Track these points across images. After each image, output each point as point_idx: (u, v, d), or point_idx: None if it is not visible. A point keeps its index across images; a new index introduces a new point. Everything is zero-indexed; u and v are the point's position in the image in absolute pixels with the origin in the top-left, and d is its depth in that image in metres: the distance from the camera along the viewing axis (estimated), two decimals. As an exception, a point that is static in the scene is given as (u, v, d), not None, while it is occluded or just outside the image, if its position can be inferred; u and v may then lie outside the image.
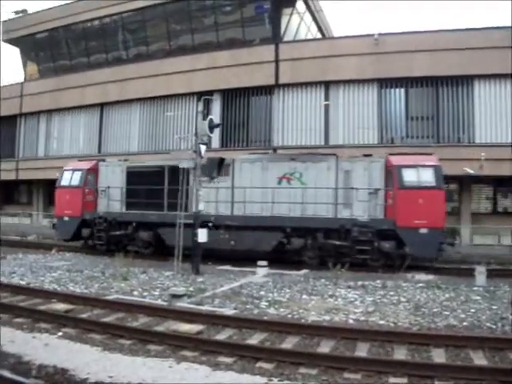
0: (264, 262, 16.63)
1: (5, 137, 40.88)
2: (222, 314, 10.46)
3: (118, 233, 21.99)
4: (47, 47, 38.80)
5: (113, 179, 22.70)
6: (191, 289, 13.42)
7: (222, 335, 9.02)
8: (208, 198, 19.27)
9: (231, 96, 29.61)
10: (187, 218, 17.37)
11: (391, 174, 18.08)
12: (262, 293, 13.12)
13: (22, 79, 41.05)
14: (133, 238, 21.93)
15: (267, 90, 28.52)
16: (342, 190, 18.59)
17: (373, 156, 19.16)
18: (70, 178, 23.45)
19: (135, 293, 13.12)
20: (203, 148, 17.23)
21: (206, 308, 11.17)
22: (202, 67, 29.55)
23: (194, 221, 16.96)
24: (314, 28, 33.69)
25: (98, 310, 10.98)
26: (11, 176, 37.86)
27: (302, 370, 7.12)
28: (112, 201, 22.44)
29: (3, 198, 41.70)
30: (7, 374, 6.41)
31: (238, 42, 29.63)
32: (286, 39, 29.16)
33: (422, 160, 18.00)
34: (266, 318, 10.29)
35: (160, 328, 9.46)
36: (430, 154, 18.71)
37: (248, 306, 11.45)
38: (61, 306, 10.91)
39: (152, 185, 21.23)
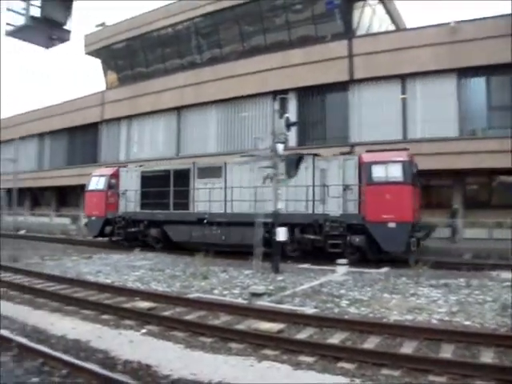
0: (344, 261, 16.51)
1: (88, 143, 42.97)
2: (303, 313, 10.42)
3: (133, 230, 24.80)
4: (125, 56, 40.31)
5: (130, 183, 25.65)
6: (271, 287, 13.50)
7: (303, 334, 9.01)
8: (204, 198, 22.36)
9: (306, 94, 29.53)
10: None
11: (363, 170, 18.70)
12: (343, 291, 13.02)
13: (102, 88, 42.90)
14: (145, 234, 24.69)
15: (342, 86, 28.17)
16: (319, 187, 19.54)
17: (349, 154, 19.88)
18: (96, 182, 26.83)
19: (216, 291, 13.31)
20: (281, 147, 17.31)
21: (286, 307, 11.17)
22: (275, 66, 29.65)
23: (274, 220, 17.07)
24: (387, 20, 32.97)
25: (180, 308, 11.21)
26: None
27: (385, 371, 7.00)
28: (129, 202, 25.40)
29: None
30: (97, 368, 6.77)
31: (311, 40, 29.48)
32: (358, 33, 28.72)
33: (391, 156, 18.43)
34: (346, 317, 10.20)
35: (241, 326, 9.53)
36: (405, 150, 18.94)
37: (328, 305, 11.39)
38: (144, 304, 11.26)
39: (160, 187, 24.12)
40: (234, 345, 8.40)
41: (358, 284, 14.06)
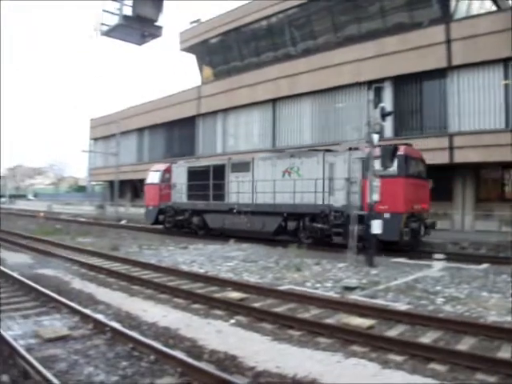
0: (441, 255, 15.94)
1: (185, 136, 44.31)
2: (395, 309, 10.12)
3: (180, 218, 28.30)
4: (220, 51, 41.11)
5: (180, 177, 28.90)
6: (364, 281, 13.27)
7: (394, 331, 8.73)
8: (235, 190, 25.03)
9: (402, 82, 28.71)
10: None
11: (364, 164, 19.32)
12: (438, 288, 12.50)
13: (198, 83, 44.10)
14: (189, 222, 27.91)
15: (440, 74, 27.08)
16: (327, 180, 21.15)
17: (355, 150, 20.09)
18: (152, 177, 30.52)
19: (308, 284, 13.19)
20: (376, 137, 16.98)
21: (378, 302, 10.93)
22: (370, 55, 29.05)
23: (370, 212, 16.77)
24: (487, 1, 31.18)
25: (270, 300, 11.21)
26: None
27: (479, 376, 6.61)
28: (179, 193, 28.72)
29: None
30: (183, 356, 6.96)
31: (406, 26, 28.58)
32: (456, 17, 27.43)
33: None
34: (441, 315, 9.79)
35: (330, 320, 9.37)
36: (409, 145, 19.93)
37: (422, 302, 10.99)
38: (235, 295, 11.37)
39: (202, 180, 27.15)
40: (322, 339, 8.28)
41: (455, 280, 13.43)
